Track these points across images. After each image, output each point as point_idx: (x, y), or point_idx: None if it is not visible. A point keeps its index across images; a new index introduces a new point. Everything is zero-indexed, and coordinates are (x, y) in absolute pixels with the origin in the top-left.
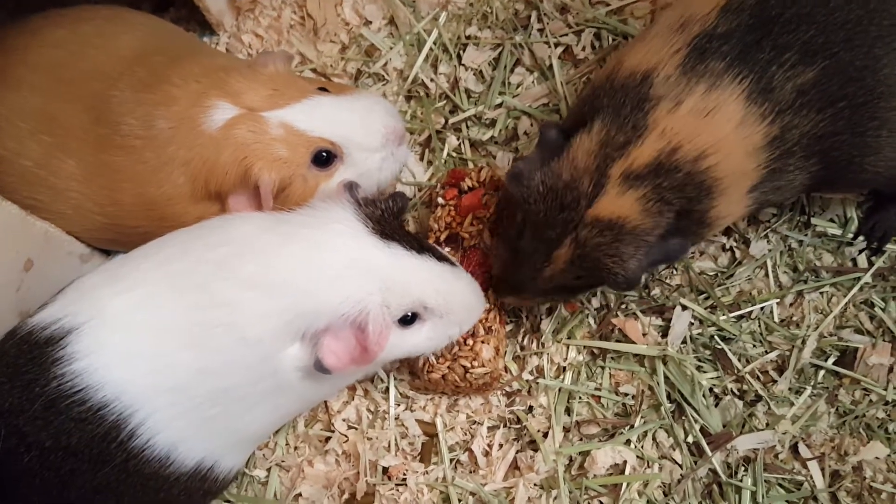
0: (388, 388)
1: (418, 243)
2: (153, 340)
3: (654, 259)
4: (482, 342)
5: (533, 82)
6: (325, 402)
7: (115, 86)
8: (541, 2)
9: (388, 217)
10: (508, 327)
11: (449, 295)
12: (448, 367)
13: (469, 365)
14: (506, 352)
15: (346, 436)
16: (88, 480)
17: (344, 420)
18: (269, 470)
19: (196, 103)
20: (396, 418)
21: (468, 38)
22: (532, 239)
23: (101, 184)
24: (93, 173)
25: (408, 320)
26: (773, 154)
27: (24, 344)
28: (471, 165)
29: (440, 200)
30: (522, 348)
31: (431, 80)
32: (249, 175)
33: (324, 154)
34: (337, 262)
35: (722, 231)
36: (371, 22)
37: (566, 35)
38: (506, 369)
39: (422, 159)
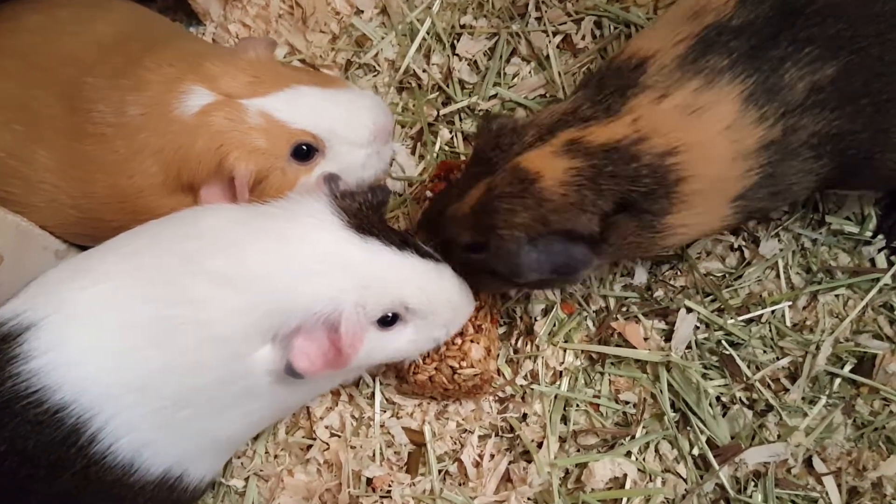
0: (373, 394)
1: (400, 238)
2: (117, 337)
3: (555, 258)
4: (471, 341)
5: (529, 73)
6: (307, 407)
7: (90, 72)
8: None
9: (367, 210)
10: (502, 329)
11: (433, 294)
12: (435, 368)
13: (457, 365)
14: (498, 354)
15: (327, 444)
16: (46, 488)
17: (326, 427)
18: (246, 479)
19: (170, 88)
20: (382, 426)
21: (462, 27)
22: (464, 173)
23: (75, 175)
24: (66, 164)
25: (388, 321)
26: (769, 158)
27: None
28: (463, 159)
29: (428, 194)
30: (516, 351)
31: (424, 70)
32: (224, 165)
33: (304, 147)
34: (308, 258)
35: (730, 231)
36: (362, 11)
37: (565, 24)
38: (498, 372)
39: (413, 153)
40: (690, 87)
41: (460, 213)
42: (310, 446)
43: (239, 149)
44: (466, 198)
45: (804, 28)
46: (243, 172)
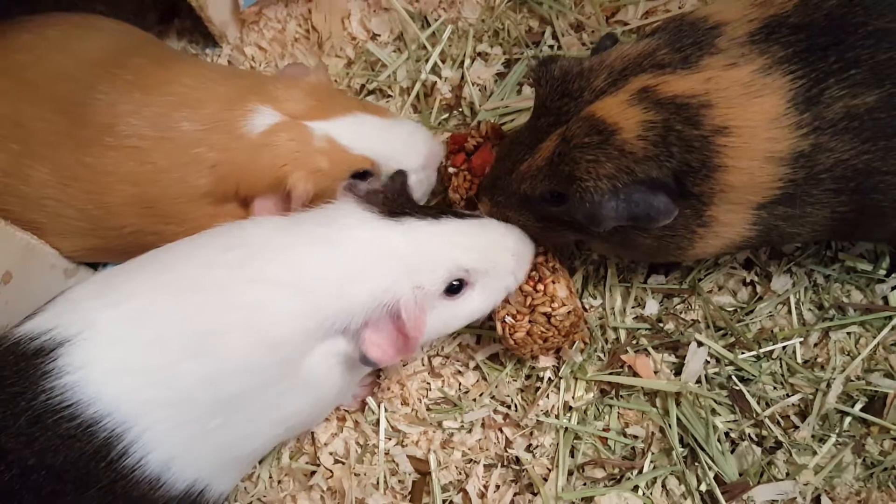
0: (378, 421)
1: (435, 210)
2: (151, 353)
3: (634, 208)
4: (553, 282)
5: None
6: (312, 432)
7: (97, 88)
8: (556, 18)
9: (393, 196)
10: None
11: (486, 248)
12: (529, 321)
13: (550, 310)
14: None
15: (331, 471)
16: (71, 503)
17: (331, 453)
18: None
19: (231, 107)
20: (387, 453)
21: (478, 54)
22: (527, 127)
23: (83, 188)
24: (71, 177)
25: (455, 289)
26: (794, 174)
27: (9, 355)
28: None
29: (451, 170)
30: (540, 380)
31: (435, 92)
32: (284, 182)
33: (362, 173)
34: (356, 256)
35: (741, 264)
36: (378, 35)
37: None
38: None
39: None
40: (755, 66)
41: (535, 166)
42: (313, 472)
43: (302, 169)
44: (539, 150)
45: (853, 48)
46: (302, 192)
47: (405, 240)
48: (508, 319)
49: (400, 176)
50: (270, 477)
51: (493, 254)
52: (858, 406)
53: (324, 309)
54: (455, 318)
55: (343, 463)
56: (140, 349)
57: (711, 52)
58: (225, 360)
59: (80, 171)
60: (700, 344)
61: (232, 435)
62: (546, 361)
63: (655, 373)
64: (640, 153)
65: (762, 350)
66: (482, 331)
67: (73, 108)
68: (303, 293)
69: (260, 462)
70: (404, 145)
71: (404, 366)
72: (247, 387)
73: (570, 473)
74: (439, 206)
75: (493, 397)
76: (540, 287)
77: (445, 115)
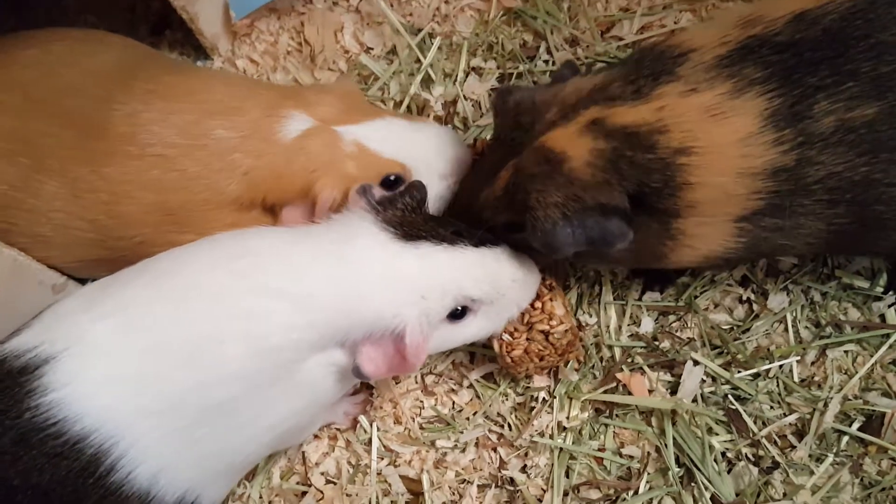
0: (370, 440)
1: (452, 231)
2: (141, 363)
3: (589, 233)
4: (550, 300)
5: None
6: (303, 452)
7: (113, 101)
8: (550, 33)
9: (411, 214)
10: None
11: (494, 280)
12: (527, 339)
13: (548, 327)
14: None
15: (322, 491)
16: None
17: (322, 473)
18: None
19: (269, 113)
20: (379, 473)
21: (472, 68)
22: (489, 156)
23: (98, 199)
24: (85, 189)
25: (458, 314)
26: (778, 186)
27: None
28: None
29: None
30: (535, 399)
31: (427, 107)
32: (312, 188)
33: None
34: (367, 278)
35: (737, 281)
36: (372, 48)
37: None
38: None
39: None
40: (720, 90)
41: (493, 197)
42: (304, 493)
43: (331, 175)
44: (497, 180)
45: (852, 61)
46: (328, 197)
47: (419, 265)
48: (506, 337)
49: (419, 191)
50: (261, 497)
51: (502, 286)
52: (856, 425)
53: (326, 324)
54: (452, 340)
55: (334, 483)
56: (133, 358)
57: (669, 80)
58: (219, 368)
59: (96, 182)
60: (696, 363)
61: (221, 443)
62: (540, 381)
63: (651, 391)
64: (589, 180)
65: (758, 369)
66: (476, 349)
67: (84, 122)
68: (305, 307)
69: (250, 481)
70: (434, 149)
71: (397, 384)
72: (236, 393)
73: (566, 494)
74: (452, 222)
75: (486, 416)
76: (538, 305)
77: None
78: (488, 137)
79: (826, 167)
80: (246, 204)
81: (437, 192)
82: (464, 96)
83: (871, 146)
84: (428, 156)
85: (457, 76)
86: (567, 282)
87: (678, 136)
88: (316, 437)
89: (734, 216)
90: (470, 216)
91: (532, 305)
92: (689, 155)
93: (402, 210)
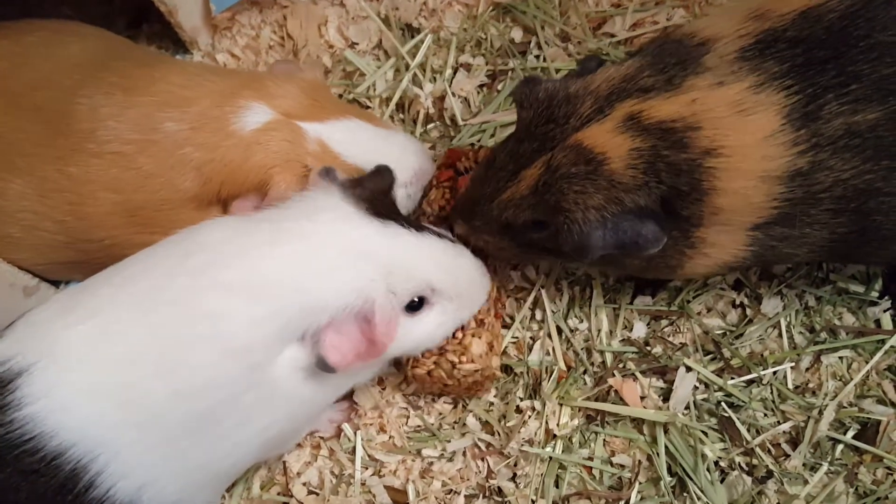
0: (354, 449)
1: (415, 222)
2: (118, 372)
3: (622, 236)
4: (472, 335)
5: None
6: (284, 462)
7: (79, 93)
8: (540, 28)
9: (379, 195)
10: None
11: (456, 274)
12: (434, 363)
13: (457, 360)
14: (503, 349)
15: (303, 503)
16: None
17: (304, 484)
18: None
19: (223, 103)
20: (363, 483)
21: (460, 65)
22: (508, 151)
23: (64, 199)
24: (51, 189)
25: (415, 306)
26: (791, 193)
27: None
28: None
29: (433, 181)
30: (519, 410)
31: (416, 104)
32: (269, 183)
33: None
34: (331, 251)
35: (731, 285)
36: (357, 44)
37: (560, 69)
38: (502, 369)
39: None
40: (745, 84)
41: (518, 195)
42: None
43: (289, 171)
44: (523, 178)
45: (854, 62)
46: (282, 193)
47: (387, 243)
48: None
49: (388, 175)
50: None
51: (463, 283)
52: (851, 433)
53: (288, 310)
54: (409, 336)
55: (317, 494)
56: (106, 369)
57: (697, 71)
58: (193, 373)
59: (62, 182)
60: (689, 369)
61: (205, 454)
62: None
63: (643, 398)
64: (630, 182)
65: (752, 375)
66: None
67: (54, 117)
68: (265, 296)
69: (229, 492)
70: (396, 158)
71: (382, 391)
72: (216, 400)
73: None
74: (417, 220)
75: (474, 420)
76: (458, 335)
77: (426, 127)
78: (485, 144)
79: (834, 173)
80: (205, 201)
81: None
82: (452, 93)
83: (874, 152)
84: (390, 164)
85: (445, 72)
86: (557, 284)
87: (709, 134)
88: (298, 445)
89: (750, 224)
90: (482, 212)
91: (452, 335)
92: (716, 157)
93: (371, 191)
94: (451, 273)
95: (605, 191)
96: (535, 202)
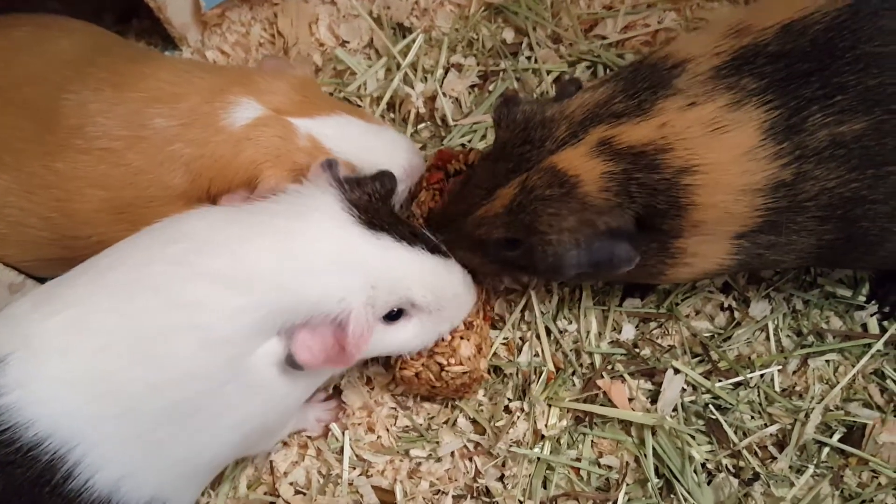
0: (342, 449)
1: (410, 231)
2: (95, 362)
3: (595, 256)
4: (461, 338)
5: None
6: (271, 461)
7: (67, 89)
8: (532, 29)
9: (376, 202)
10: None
11: (440, 291)
12: (423, 365)
13: (446, 362)
14: (491, 352)
15: (290, 503)
16: None
17: (291, 483)
18: None
19: (212, 99)
20: (350, 484)
21: (452, 65)
22: (486, 169)
23: (51, 195)
24: (38, 185)
25: (393, 316)
26: (775, 203)
27: None
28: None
29: (423, 183)
30: (508, 410)
31: (407, 103)
32: (258, 178)
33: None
34: (319, 256)
35: (719, 288)
36: (348, 42)
37: (552, 71)
38: (489, 371)
39: None
40: (719, 103)
41: (492, 212)
42: (272, 503)
43: (280, 167)
44: (498, 196)
45: (839, 73)
46: (271, 188)
47: (376, 257)
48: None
49: (389, 180)
50: None
51: (445, 299)
52: (837, 436)
53: (269, 304)
54: (383, 343)
55: (304, 494)
56: (83, 359)
57: (667, 94)
58: (171, 364)
59: (49, 178)
60: (677, 371)
61: (184, 446)
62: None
63: (631, 400)
64: (603, 205)
65: (739, 378)
66: None
67: (42, 113)
68: (247, 287)
69: (215, 490)
70: (387, 154)
71: (370, 391)
72: (194, 392)
73: None
74: (412, 225)
75: (463, 420)
76: (447, 337)
77: (417, 127)
78: (475, 146)
79: (820, 182)
80: (194, 198)
81: None
82: (443, 93)
83: (860, 161)
84: (380, 160)
85: (436, 72)
86: (547, 286)
87: (682, 154)
88: (285, 444)
89: (733, 234)
90: (456, 227)
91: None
92: (693, 174)
93: (369, 196)
94: (436, 291)
95: (579, 213)
96: (508, 220)
